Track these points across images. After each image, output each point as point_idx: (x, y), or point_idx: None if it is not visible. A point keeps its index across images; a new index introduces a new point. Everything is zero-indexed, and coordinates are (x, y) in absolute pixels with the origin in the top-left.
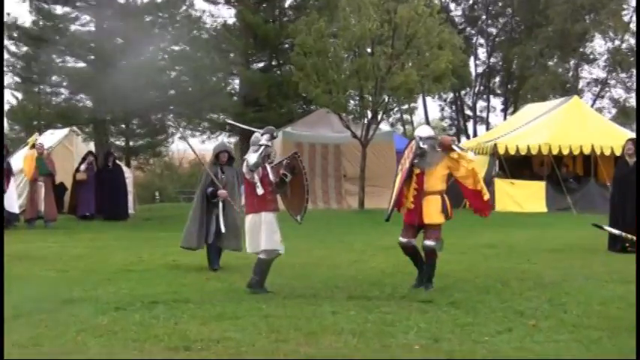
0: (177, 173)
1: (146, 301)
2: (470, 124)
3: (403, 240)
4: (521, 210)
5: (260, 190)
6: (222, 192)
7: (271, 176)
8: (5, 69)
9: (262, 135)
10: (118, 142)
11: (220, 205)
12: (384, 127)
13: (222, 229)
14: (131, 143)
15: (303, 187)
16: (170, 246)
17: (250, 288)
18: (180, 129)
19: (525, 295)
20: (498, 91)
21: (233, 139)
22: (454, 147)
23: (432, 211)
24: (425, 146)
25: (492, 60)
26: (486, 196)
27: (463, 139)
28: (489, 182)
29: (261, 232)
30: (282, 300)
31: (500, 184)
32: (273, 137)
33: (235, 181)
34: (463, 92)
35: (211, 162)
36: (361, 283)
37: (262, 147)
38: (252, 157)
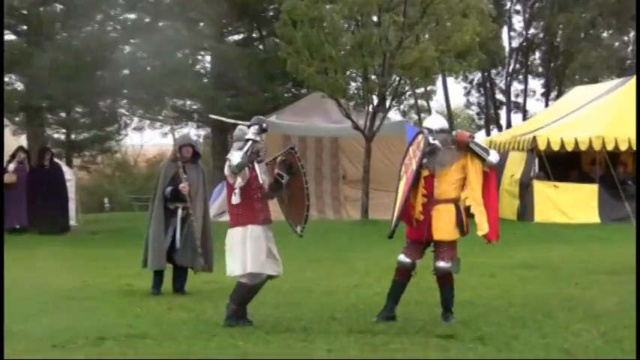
0: (131, 175)
1: (91, 336)
2: (502, 112)
3: (406, 260)
4: (568, 220)
5: (236, 199)
6: (183, 185)
7: (261, 178)
8: None
9: (249, 127)
10: (56, 135)
11: (180, 212)
12: (394, 116)
13: (178, 244)
14: (73, 136)
15: (303, 190)
16: (123, 267)
17: (226, 320)
18: (136, 118)
19: (572, 329)
20: (539, 71)
21: (203, 132)
22: (472, 145)
23: (444, 224)
24: (436, 141)
25: (531, 31)
26: (481, 232)
27: (494, 130)
28: (527, 185)
29: (247, 250)
30: (264, 335)
31: (540, 187)
32: (262, 130)
33: (201, 184)
34: (494, 72)
35: (171, 158)
36: (364, 313)
37: (249, 142)
38: (235, 157)
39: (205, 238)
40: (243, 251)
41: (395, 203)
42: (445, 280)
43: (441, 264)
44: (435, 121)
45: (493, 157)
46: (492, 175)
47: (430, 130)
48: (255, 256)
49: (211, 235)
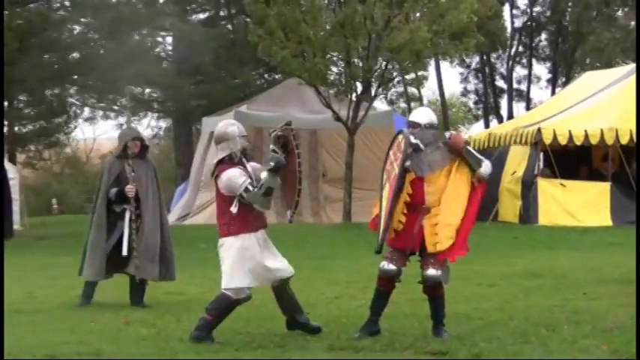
0: (82, 173)
1: (39, 354)
2: (503, 101)
3: (392, 267)
4: (576, 223)
5: (235, 209)
6: (129, 188)
7: (255, 180)
8: None
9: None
10: None
11: (127, 215)
12: (381, 105)
13: (124, 251)
14: (16, 129)
15: (295, 173)
16: (73, 276)
17: (195, 331)
18: (88, 108)
19: (580, 345)
20: (545, 54)
21: (164, 123)
22: (465, 152)
23: (444, 235)
24: (418, 141)
25: (536, 9)
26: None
27: (494, 121)
28: (530, 184)
29: (233, 260)
30: (234, 352)
31: (545, 186)
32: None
33: (152, 182)
34: (494, 56)
35: (116, 155)
36: (346, 327)
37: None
38: (237, 178)
39: (164, 243)
40: (230, 262)
41: (380, 214)
42: (435, 290)
43: (431, 272)
44: (423, 115)
45: (486, 168)
46: (480, 190)
47: (414, 125)
48: (239, 266)
49: (170, 239)
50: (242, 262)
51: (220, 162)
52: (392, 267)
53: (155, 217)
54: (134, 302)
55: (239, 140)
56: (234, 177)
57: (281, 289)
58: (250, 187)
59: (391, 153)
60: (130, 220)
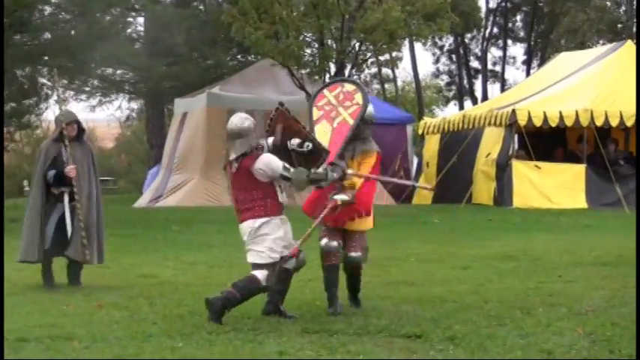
0: None
1: (11, 337)
2: (478, 82)
3: (333, 243)
4: (551, 206)
5: (284, 198)
6: (70, 168)
7: None
8: None
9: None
10: None
11: (66, 197)
12: None
13: (69, 232)
14: None
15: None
16: None
17: (220, 302)
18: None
19: (555, 327)
20: (519, 35)
21: (135, 105)
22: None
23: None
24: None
25: None
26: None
27: (468, 102)
28: (504, 166)
29: (268, 240)
30: (206, 335)
31: (520, 168)
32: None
33: (89, 164)
34: (468, 36)
35: (53, 137)
36: (320, 311)
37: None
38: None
39: (98, 227)
40: (271, 240)
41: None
42: (355, 269)
43: (353, 254)
44: None
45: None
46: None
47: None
48: (277, 246)
49: (102, 224)
50: (280, 241)
51: (242, 155)
52: (334, 243)
53: (92, 200)
54: (74, 283)
55: (255, 134)
56: (273, 159)
57: (288, 273)
58: (288, 166)
59: (331, 97)
60: (70, 201)
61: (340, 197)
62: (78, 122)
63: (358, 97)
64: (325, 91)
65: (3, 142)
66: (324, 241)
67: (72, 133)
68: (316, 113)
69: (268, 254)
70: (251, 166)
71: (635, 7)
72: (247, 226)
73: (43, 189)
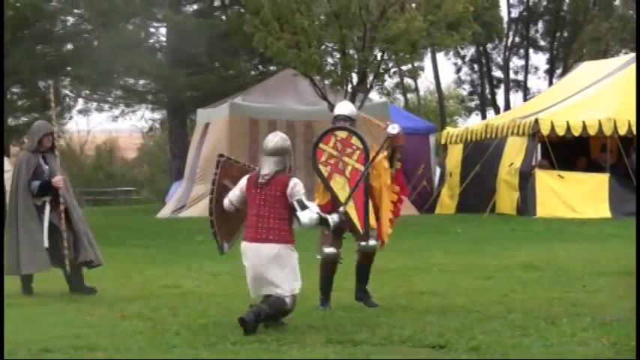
0: (78, 164)
1: (35, 348)
2: (500, 92)
3: (335, 251)
4: (574, 215)
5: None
6: (58, 179)
7: None
8: None
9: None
10: None
11: (48, 207)
12: (377, 96)
13: (46, 242)
14: (10, 121)
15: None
16: None
17: (258, 316)
18: (81, 99)
19: (580, 337)
20: (542, 44)
21: (158, 115)
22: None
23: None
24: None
25: None
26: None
27: (490, 112)
28: (528, 175)
29: (295, 269)
30: (230, 346)
31: (543, 177)
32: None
33: (62, 174)
34: (490, 46)
35: (31, 149)
36: (344, 321)
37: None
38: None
39: (85, 232)
40: (294, 268)
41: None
42: (369, 259)
43: (372, 242)
44: (345, 108)
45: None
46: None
47: (345, 119)
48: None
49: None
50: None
51: (277, 172)
52: (335, 250)
53: (76, 209)
54: (78, 289)
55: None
56: (300, 184)
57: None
58: (305, 198)
59: (330, 150)
60: (51, 211)
61: (372, 244)
62: (53, 133)
63: (355, 142)
64: (321, 145)
65: (3, 140)
66: (329, 249)
67: (48, 144)
68: (324, 170)
69: (295, 286)
70: (286, 185)
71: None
72: (271, 248)
73: (27, 200)
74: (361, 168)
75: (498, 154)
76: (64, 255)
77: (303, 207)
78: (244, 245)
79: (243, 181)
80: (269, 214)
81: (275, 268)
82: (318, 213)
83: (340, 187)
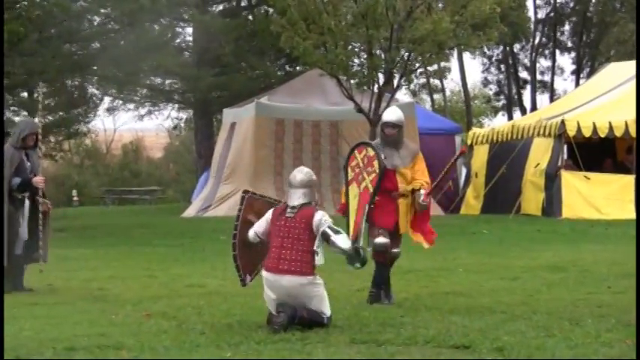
0: (103, 164)
1: (59, 347)
2: (526, 92)
3: (386, 240)
4: (600, 216)
5: (319, 260)
6: (39, 179)
7: None
8: None
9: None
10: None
11: (27, 202)
12: (403, 96)
13: (25, 235)
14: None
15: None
16: (93, 268)
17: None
18: (108, 98)
19: (604, 339)
20: (568, 45)
21: (184, 114)
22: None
23: (407, 219)
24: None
25: (560, 0)
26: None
27: (517, 112)
28: (553, 176)
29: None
30: (255, 345)
31: (569, 179)
32: None
33: (40, 172)
34: (517, 47)
35: (16, 145)
36: (368, 321)
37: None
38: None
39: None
40: (322, 299)
41: (349, 217)
42: (392, 262)
43: (394, 250)
44: (393, 114)
45: None
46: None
47: (393, 125)
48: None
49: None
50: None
51: (304, 205)
52: (386, 240)
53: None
54: (20, 288)
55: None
56: (326, 215)
57: None
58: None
59: (360, 159)
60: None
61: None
62: (38, 134)
63: (376, 165)
64: (355, 152)
65: (3, 139)
66: (379, 239)
67: (31, 143)
68: (350, 174)
69: (327, 314)
70: (312, 217)
71: None
72: (294, 281)
73: (8, 194)
74: (371, 189)
75: (524, 155)
76: (37, 250)
77: (337, 232)
78: (265, 274)
79: (269, 213)
80: (292, 246)
81: (302, 299)
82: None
83: (353, 197)
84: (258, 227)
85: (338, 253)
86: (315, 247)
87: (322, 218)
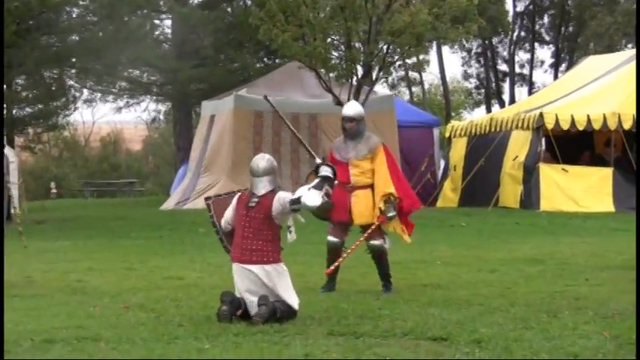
0: (82, 156)
1: (38, 339)
2: (505, 85)
3: (336, 240)
4: (578, 209)
5: (292, 237)
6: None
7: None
8: None
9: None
10: None
11: None
12: (382, 89)
13: None
14: (14, 112)
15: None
16: (72, 261)
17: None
18: (86, 90)
19: (582, 331)
20: (547, 38)
21: (163, 107)
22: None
23: (365, 209)
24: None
25: None
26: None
27: (495, 106)
28: (532, 169)
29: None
30: (233, 337)
31: (547, 171)
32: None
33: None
34: (496, 40)
35: None
36: (347, 313)
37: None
38: (311, 198)
39: None
40: (290, 285)
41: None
42: (380, 256)
43: (372, 242)
44: (352, 108)
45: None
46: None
47: (350, 119)
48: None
49: None
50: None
51: (268, 193)
52: (337, 239)
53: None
54: None
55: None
56: (284, 193)
57: None
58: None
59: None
60: None
61: (390, 214)
62: None
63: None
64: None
65: (3, 137)
66: (329, 237)
67: None
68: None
69: (295, 301)
70: (270, 207)
71: None
72: (257, 269)
73: None
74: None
75: (503, 148)
76: None
77: (298, 200)
78: (233, 264)
79: (234, 201)
80: (253, 236)
81: (268, 287)
82: (311, 187)
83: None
84: (228, 216)
85: (314, 209)
86: (288, 224)
87: (281, 199)
